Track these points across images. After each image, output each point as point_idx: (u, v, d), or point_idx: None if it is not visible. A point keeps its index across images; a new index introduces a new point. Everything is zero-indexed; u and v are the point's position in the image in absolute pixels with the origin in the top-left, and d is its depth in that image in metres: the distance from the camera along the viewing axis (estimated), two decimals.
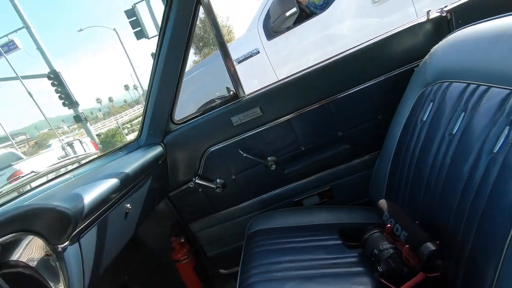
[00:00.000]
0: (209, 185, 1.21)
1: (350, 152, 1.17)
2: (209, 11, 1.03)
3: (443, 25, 0.98)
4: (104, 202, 0.74)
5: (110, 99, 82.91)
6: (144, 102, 1.12)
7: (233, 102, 1.13)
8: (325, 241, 0.94)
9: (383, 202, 0.83)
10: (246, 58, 2.73)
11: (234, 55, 2.69)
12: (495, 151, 0.56)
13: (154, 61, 1.04)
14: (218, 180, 1.22)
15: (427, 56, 0.85)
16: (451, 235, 0.66)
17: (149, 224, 1.26)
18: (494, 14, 0.71)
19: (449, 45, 0.78)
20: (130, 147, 1.17)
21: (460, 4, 0.96)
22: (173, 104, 1.12)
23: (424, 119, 0.80)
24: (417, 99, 0.85)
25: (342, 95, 1.09)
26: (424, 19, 0.99)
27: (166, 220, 1.33)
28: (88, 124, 11.85)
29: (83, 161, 1.10)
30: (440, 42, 0.82)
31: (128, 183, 0.87)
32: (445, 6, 0.98)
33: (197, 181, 1.21)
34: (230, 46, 2.87)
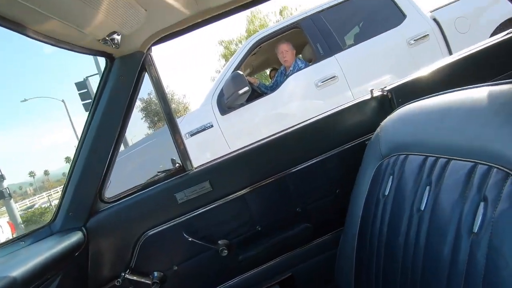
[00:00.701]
0: (144, 280, 0.95)
1: (311, 231, 1.06)
2: (157, 81, 0.97)
3: (385, 103, 1.04)
4: None
5: (46, 172, 74.55)
6: (67, 175, 0.92)
7: (179, 175, 0.99)
8: None
9: None
10: (199, 131, 2.72)
11: (187, 128, 2.66)
12: (475, 231, 0.50)
13: (84, 126, 0.89)
14: (155, 274, 0.97)
15: (378, 129, 0.85)
16: None
17: None
18: (428, 93, 0.75)
19: (399, 119, 0.79)
20: (38, 235, 0.90)
21: (399, 85, 1.05)
22: (104, 179, 0.93)
23: (386, 193, 0.75)
24: (375, 172, 0.82)
25: (297, 169, 1.03)
26: (368, 97, 1.05)
27: None
28: (11, 201, 10.17)
29: None
30: (389, 116, 0.84)
31: None
32: (385, 87, 1.06)
33: (127, 276, 0.95)
34: (184, 119, 2.87)
